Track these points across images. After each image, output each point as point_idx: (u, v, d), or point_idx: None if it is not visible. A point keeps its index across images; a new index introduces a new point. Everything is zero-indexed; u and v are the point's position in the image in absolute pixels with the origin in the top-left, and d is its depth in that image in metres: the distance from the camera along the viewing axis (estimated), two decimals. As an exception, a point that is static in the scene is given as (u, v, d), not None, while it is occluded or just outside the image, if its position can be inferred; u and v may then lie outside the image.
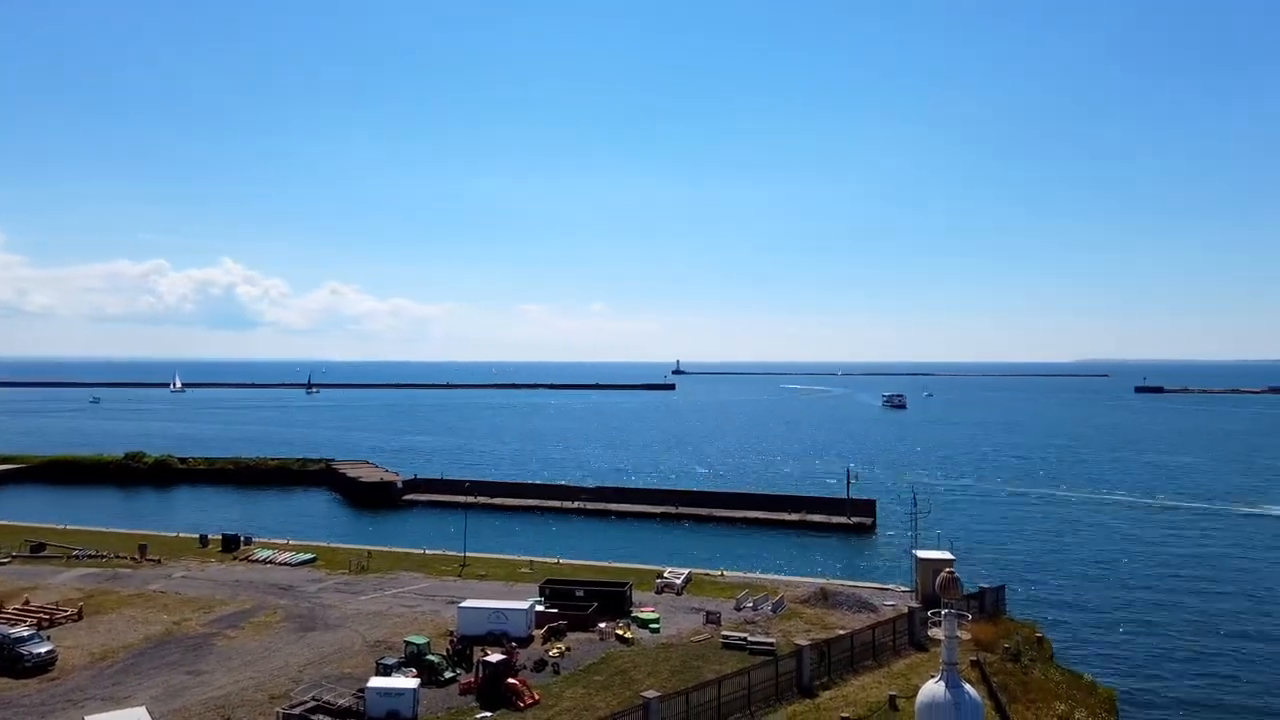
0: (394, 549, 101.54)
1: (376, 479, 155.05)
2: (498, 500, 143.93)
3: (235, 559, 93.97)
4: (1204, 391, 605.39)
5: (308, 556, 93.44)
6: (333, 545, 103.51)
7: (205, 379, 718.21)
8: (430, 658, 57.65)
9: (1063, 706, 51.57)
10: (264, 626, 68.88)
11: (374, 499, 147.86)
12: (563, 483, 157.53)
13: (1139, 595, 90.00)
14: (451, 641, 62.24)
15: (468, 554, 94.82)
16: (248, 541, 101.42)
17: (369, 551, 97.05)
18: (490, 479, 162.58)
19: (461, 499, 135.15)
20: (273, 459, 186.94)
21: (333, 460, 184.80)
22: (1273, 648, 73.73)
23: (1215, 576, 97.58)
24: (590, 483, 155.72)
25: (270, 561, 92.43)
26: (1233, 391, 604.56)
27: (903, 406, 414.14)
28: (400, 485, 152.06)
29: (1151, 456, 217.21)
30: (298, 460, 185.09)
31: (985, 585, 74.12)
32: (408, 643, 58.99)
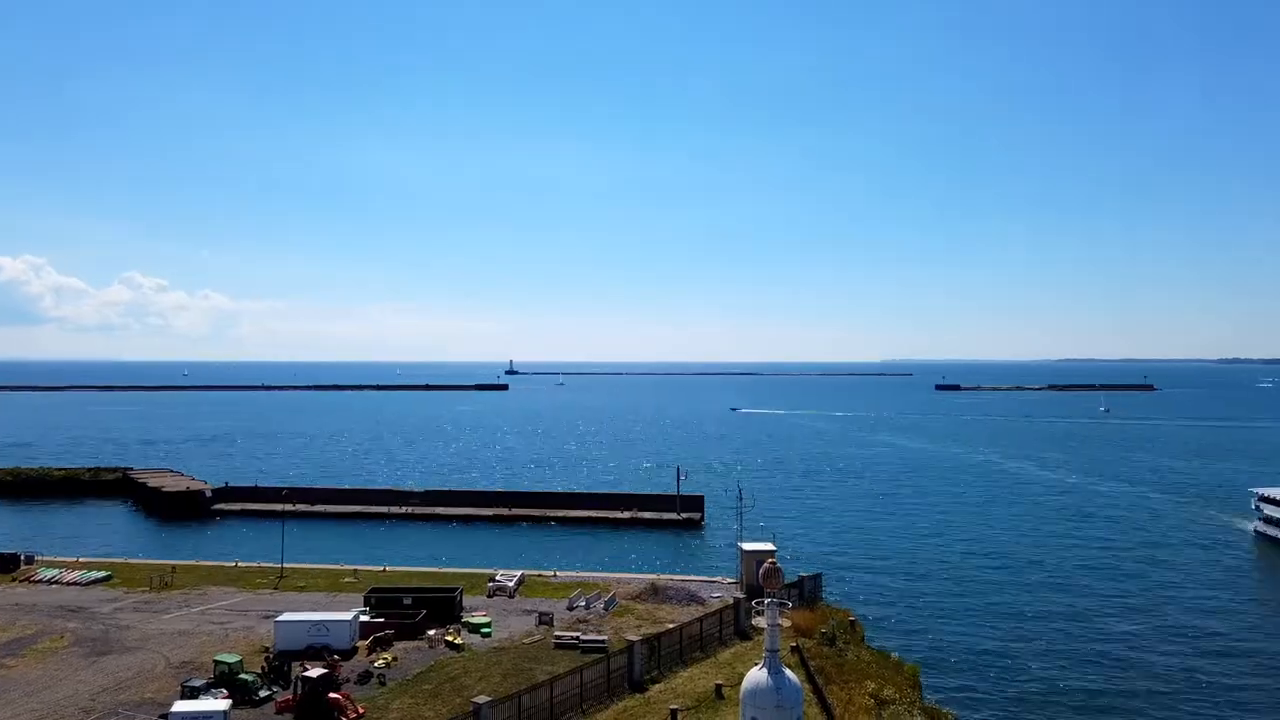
0: (202, 562, 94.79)
1: (182, 488, 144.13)
2: (319, 508, 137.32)
3: (14, 580, 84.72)
4: (994, 389, 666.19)
5: (101, 574, 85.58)
6: (131, 561, 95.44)
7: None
8: (243, 676, 54.19)
9: (873, 684, 55.03)
10: (49, 653, 62.41)
11: (179, 510, 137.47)
12: (389, 487, 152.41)
13: (935, 577, 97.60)
14: (267, 658, 58.81)
15: (286, 565, 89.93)
16: (29, 560, 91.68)
17: (173, 566, 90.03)
18: (310, 485, 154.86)
19: (278, 507, 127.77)
20: (59, 469, 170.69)
21: (131, 469, 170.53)
22: (1058, 618, 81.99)
23: (1006, 554, 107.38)
24: (419, 486, 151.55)
25: (57, 581, 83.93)
26: (1017, 389, 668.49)
27: None
28: (209, 494, 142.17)
29: (953, 448, 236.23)
30: (89, 469, 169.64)
31: (804, 574, 77.98)
32: (218, 662, 55.18)
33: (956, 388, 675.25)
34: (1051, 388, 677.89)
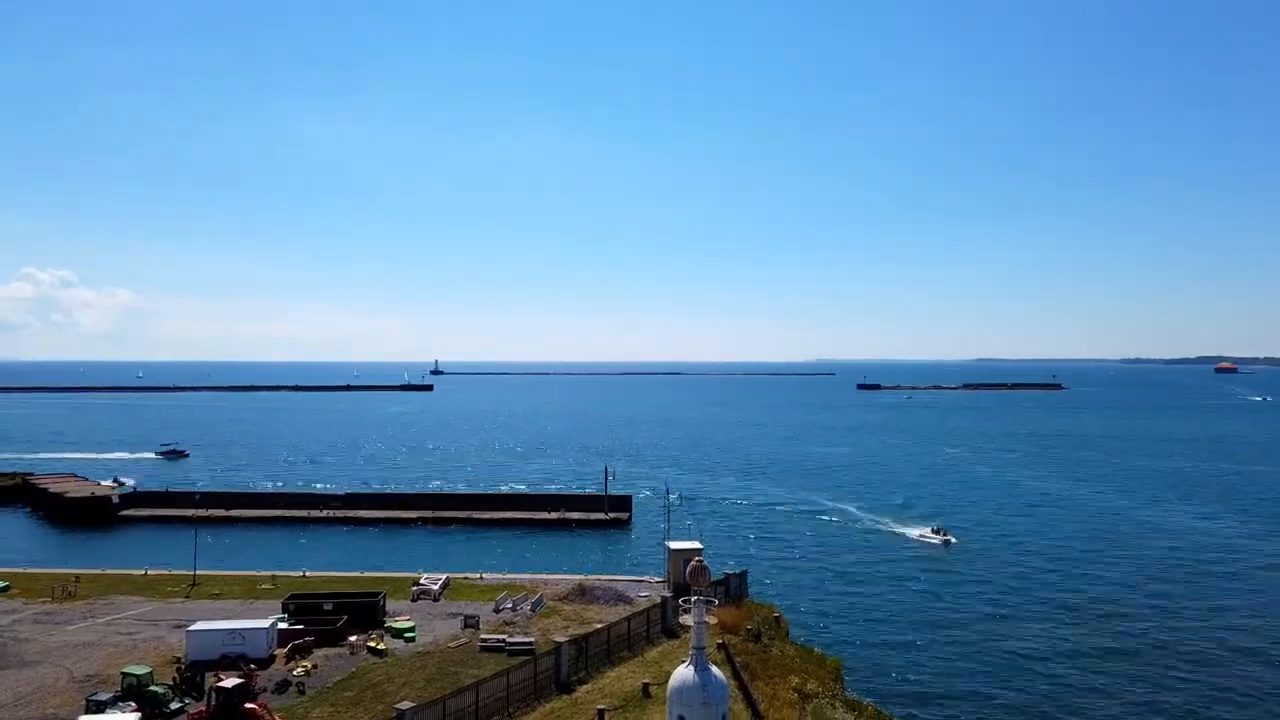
0: (109, 571, 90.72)
1: (86, 494, 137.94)
2: (235, 512, 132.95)
3: (-101, 594, 79.69)
4: (912, 388, 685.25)
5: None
6: (31, 570, 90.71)
7: None
8: (153, 688, 52.05)
9: (796, 679, 56.00)
10: (-61, 671, 58.89)
11: (84, 516, 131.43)
12: (311, 490, 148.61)
13: (856, 572, 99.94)
14: (179, 669, 56.66)
15: (199, 572, 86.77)
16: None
17: (76, 576, 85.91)
18: (226, 489, 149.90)
19: (191, 513, 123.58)
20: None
21: (30, 474, 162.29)
22: (975, 610, 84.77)
23: (925, 547, 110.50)
24: (340, 489, 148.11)
25: (-53, 594, 79.23)
26: (934, 388, 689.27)
27: None
28: (117, 500, 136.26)
29: (871, 442, 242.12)
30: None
31: (730, 571, 78.77)
32: (125, 674, 52.88)
33: (878, 387, 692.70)
34: (966, 386, 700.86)
